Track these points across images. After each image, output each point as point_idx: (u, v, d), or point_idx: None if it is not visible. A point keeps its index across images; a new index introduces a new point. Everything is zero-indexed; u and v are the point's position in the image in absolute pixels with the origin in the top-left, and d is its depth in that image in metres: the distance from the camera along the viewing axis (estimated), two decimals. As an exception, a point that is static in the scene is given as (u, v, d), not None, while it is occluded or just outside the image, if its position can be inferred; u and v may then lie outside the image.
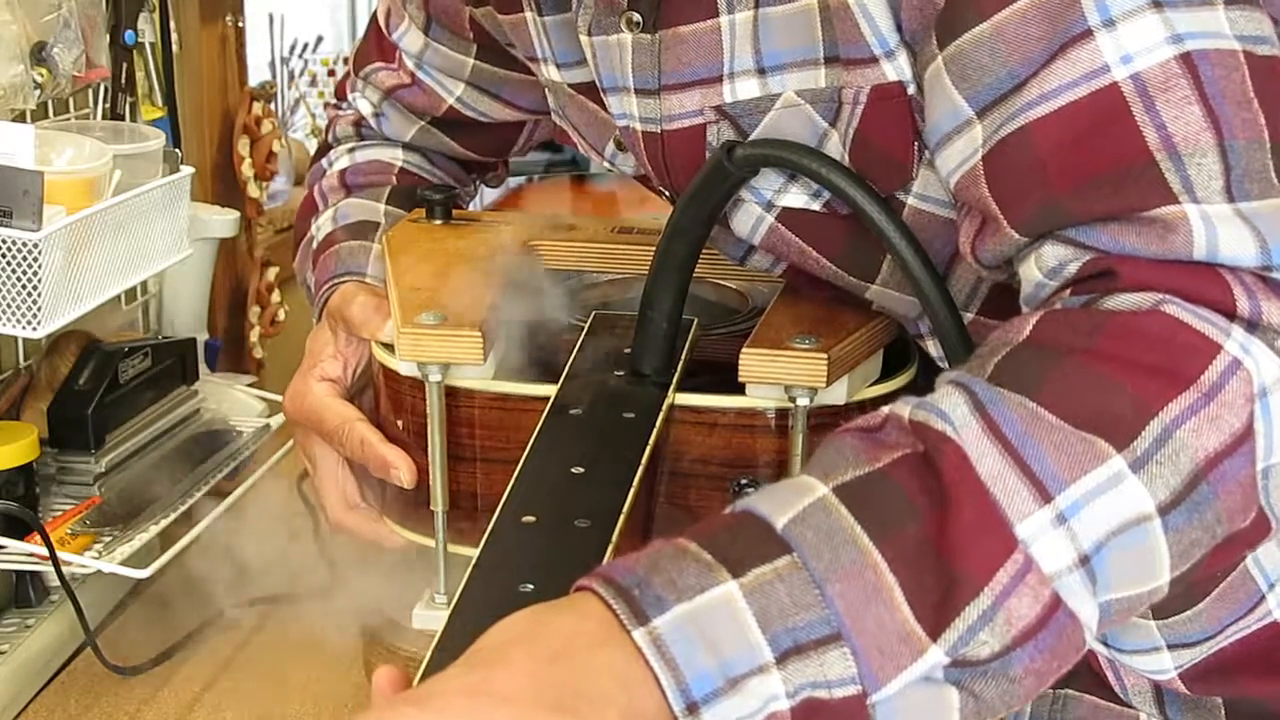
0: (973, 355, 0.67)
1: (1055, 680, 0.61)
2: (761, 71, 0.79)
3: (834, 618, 0.57)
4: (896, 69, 0.75)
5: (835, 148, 0.79)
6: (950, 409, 0.62)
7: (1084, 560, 0.60)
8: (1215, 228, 0.64)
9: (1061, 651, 0.60)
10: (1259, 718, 0.85)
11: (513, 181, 2.87)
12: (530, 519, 0.74)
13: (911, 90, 0.75)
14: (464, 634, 0.57)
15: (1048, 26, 0.66)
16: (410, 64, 1.09)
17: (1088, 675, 0.87)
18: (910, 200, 0.79)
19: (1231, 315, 0.63)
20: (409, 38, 1.07)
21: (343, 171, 1.11)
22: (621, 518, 0.74)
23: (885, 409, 0.65)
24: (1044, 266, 0.68)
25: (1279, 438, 0.63)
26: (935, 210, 0.79)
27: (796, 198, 0.82)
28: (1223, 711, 0.85)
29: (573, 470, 0.78)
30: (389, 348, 0.92)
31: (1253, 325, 0.63)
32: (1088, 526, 0.59)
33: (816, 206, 0.82)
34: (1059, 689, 0.88)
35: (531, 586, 0.67)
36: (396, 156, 1.13)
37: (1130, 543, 0.60)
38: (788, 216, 0.84)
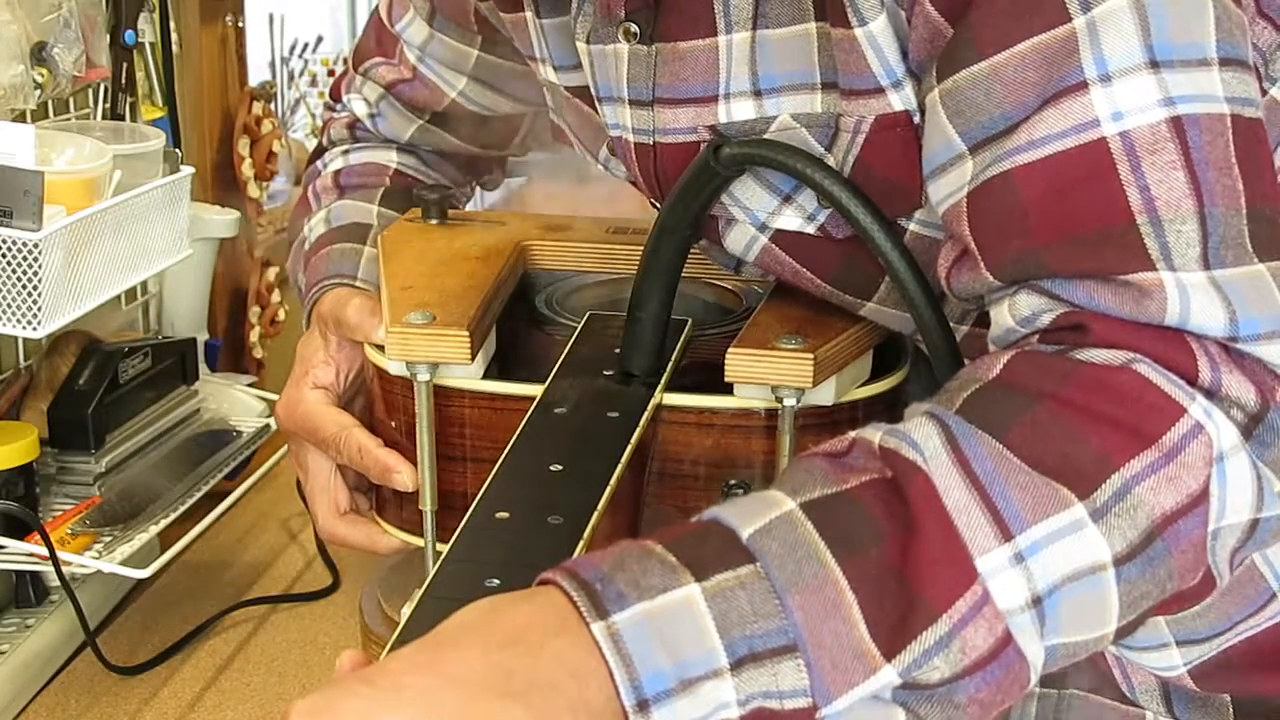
0: (942, 389, 0.68)
1: (999, 712, 0.62)
2: (757, 94, 0.79)
3: (792, 629, 0.57)
4: (903, 99, 0.75)
5: None
6: (922, 439, 0.63)
7: (1036, 601, 0.61)
8: (1189, 296, 0.65)
9: (1006, 686, 0.61)
10: (1268, 715, 0.85)
11: (513, 183, 2.87)
12: (504, 515, 0.74)
13: (918, 120, 0.75)
14: (426, 626, 0.57)
15: (1044, 73, 0.66)
16: (412, 57, 1.09)
17: (1094, 674, 0.87)
18: (913, 226, 0.79)
19: (1193, 382, 0.64)
20: (413, 29, 1.07)
21: (337, 173, 1.12)
22: (595, 514, 0.74)
23: (852, 434, 0.66)
24: (1017, 315, 0.69)
25: (1232, 502, 0.64)
26: (937, 235, 0.78)
27: (790, 220, 0.82)
28: (1230, 709, 0.85)
29: (551, 468, 0.78)
30: (382, 349, 0.92)
31: (1211, 394, 0.64)
32: (1044, 568, 0.60)
33: (810, 230, 0.82)
34: (1064, 689, 0.88)
35: (498, 581, 0.68)
36: (391, 159, 1.13)
37: (1083, 589, 0.61)
38: (781, 238, 0.84)
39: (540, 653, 0.56)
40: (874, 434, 0.65)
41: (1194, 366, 0.64)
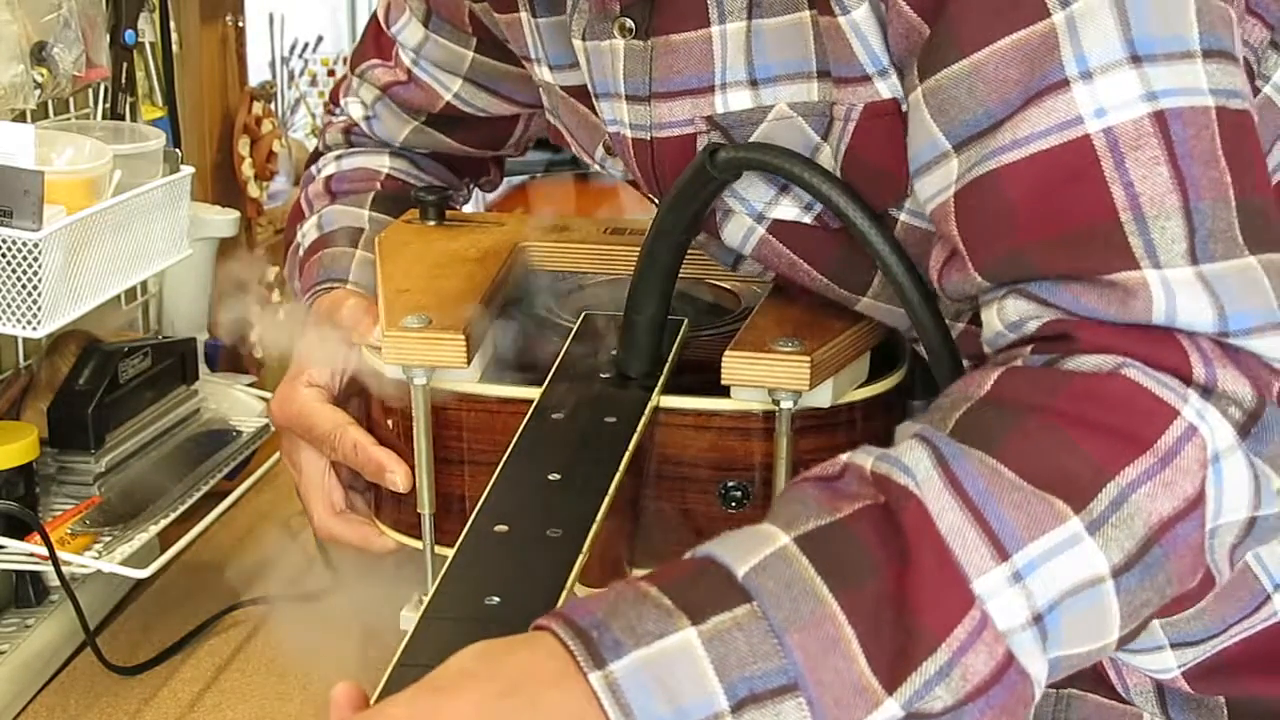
0: (932, 407, 0.67)
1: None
2: (754, 83, 0.79)
3: (792, 668, 0.57)
4: (890, 86, 0.74)
5: (827, 161, 0.79)
6: (913, 463, 0.62)
7: (1037, 619, 0.60)
8: (1175, 293, 0.64)
9: (1011, 707, 0.61)
10: (1262, 717, 0.85)
11: (514, 181, 2.87)
12: (502, 528, 0.73)
13: (905, 108, 0.75)
14: (428, 647, 0.57)
15: (1025, 70, 0.66)
16: (407, 60, 1.09)
17: (1090, 675, 0.87)
18: (902, 216, 0.79)
19: (1188, 381, 0.64)
20: (408, 30, 1.07)
21: (329, 178, 1.12)
22: (594, 528, 0.74)
23: (844, 457, 0.65)
24: (1005, 319, 0.69)
25: (1229, 501, 0.63)
26: (927, 226, 0.78)
27: (788, 210, 0.82)
28: (1225, 711, 0.85)
29: (549, 477, 0.78)
30: (379, 351, 0.92)
31: (1207, 391, 0.64)
32: (1043, 586, 0.60)
33: (808, 220, 0.82)
34: (1061, 689, 0.88)
35: (498, 599, 0.67)
36: (383, 164, 1.13)
37: (1083, 603, 0.61)
38: (779, 229, 0.83)
39: (538, 703, 0.55)
40: (865, 459, 0.64)
41: (1186, 364, 0.64)
